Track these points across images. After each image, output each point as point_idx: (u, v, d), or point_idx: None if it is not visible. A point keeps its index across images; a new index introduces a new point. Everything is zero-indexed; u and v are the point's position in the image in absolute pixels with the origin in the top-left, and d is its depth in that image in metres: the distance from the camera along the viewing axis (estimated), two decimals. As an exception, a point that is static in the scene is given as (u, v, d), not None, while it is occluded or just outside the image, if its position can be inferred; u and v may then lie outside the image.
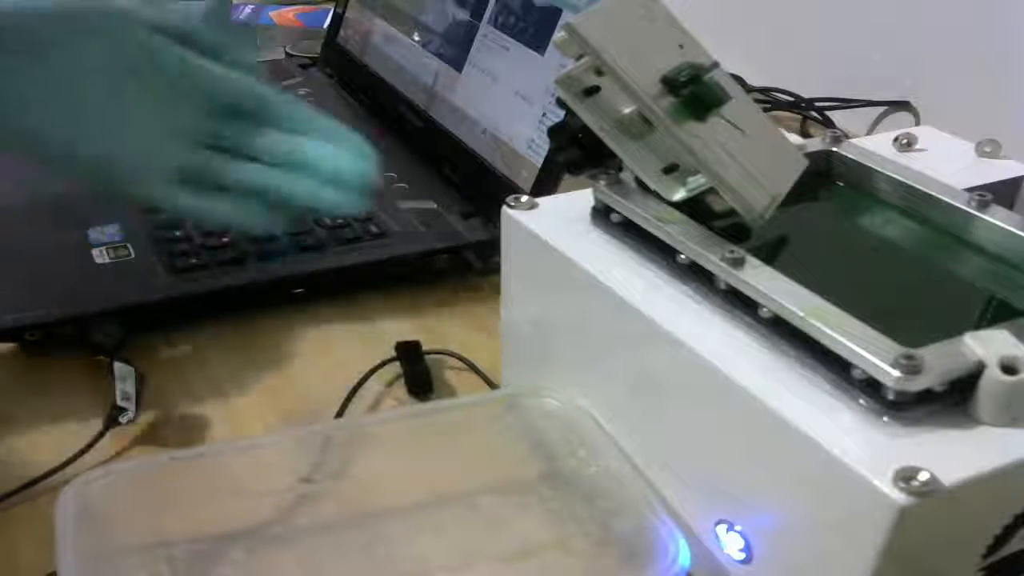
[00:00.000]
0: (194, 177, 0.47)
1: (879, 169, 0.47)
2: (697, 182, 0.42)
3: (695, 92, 0.40)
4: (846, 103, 0.90)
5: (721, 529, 0.38)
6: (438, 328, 0.61)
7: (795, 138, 0.51)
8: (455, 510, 0.43)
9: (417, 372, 0.56)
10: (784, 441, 0.34)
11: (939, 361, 0.33)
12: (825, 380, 0.35)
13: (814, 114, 0.90)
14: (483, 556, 0.40)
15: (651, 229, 0.41)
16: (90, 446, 0.49)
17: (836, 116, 0.89)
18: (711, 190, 0.41)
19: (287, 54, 1.05)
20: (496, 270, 0.50)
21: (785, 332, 0.36)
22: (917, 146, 0.53)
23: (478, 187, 0.71)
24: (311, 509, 0.42)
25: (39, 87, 0.44)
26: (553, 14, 0.66)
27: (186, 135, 0.47)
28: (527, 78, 0.67)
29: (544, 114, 0.65)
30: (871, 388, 0.33)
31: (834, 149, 0.49)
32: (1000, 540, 0.34)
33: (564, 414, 0.45)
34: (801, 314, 0.35)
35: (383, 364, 0.56)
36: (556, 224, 0.45)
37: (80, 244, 0.64)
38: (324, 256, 0.64)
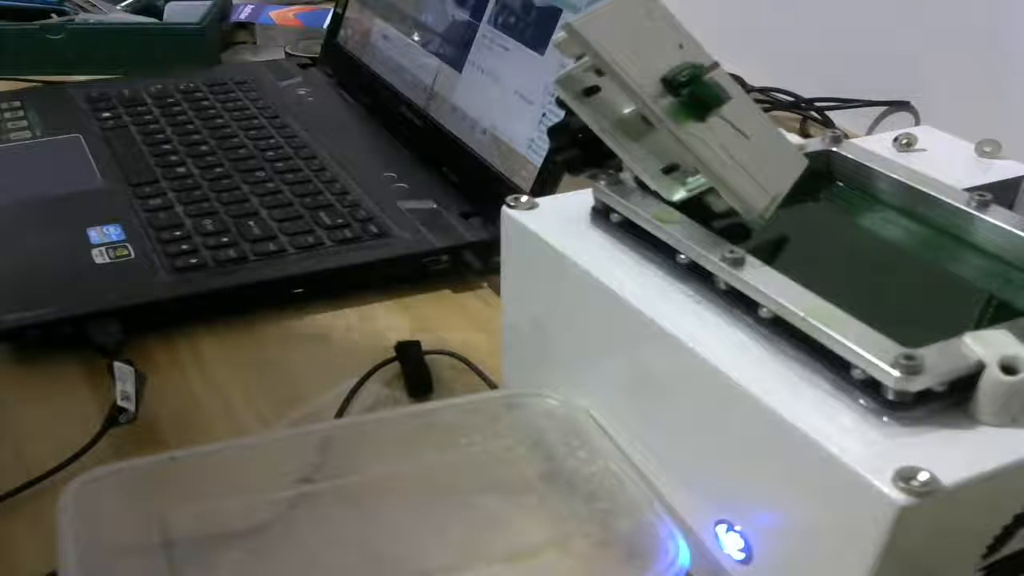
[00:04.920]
0: None
1: (879, 169, 0.47)
2: (697, 182, 0.42)
3: (695, 92, 0.40)
4: (846, 103, 0.90)
5: (721, 529, 0.38)
6: (438, 328, 0.61)
7: (795, 138, 0.51)
8: (455, 510, 0.43)
9: (417, 372, 0.56)
10: (784, 441, 0.34)
11: (939, 361, 0.33)
12: (825, 380, 0.35)
13: (814, 114, 0.91)
14: (483, 556, 0.40)
15: (651, 229, 0.41)
16: (90, 446, 0.49)
17: (836, 116, 0.90)
18: (711, 190, 0.41)
19: (287, 54, 1.05)
20: (496, 270, 0.50)
21: (785, 332, 0.36)
22: (917, 146, 0.53)
23: (478, 187, 0.71)
24: (311, 509, 0.42)
25: None
26: (553, 14, 0.66)
27: None
28: (527, 78, 0.67)
29: (544, 114, 0.65)
30: (871, 388, 0.33)
31: (834, 149, 0.49)
32: (1000, 540, 0.34)
33: (564, 414, 0.45)
34: (801, 314, 0.35)
35: (383, 364, 0.56)
36: (556, 224, 0.45)
37: (80, 244, 0.64)
38: (324, 256, 0.64)
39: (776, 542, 0.36)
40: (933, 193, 0.45)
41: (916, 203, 0.46)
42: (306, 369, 0.57)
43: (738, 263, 0.38)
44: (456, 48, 0.76)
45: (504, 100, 0.69)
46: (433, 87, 0.78)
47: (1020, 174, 0.51)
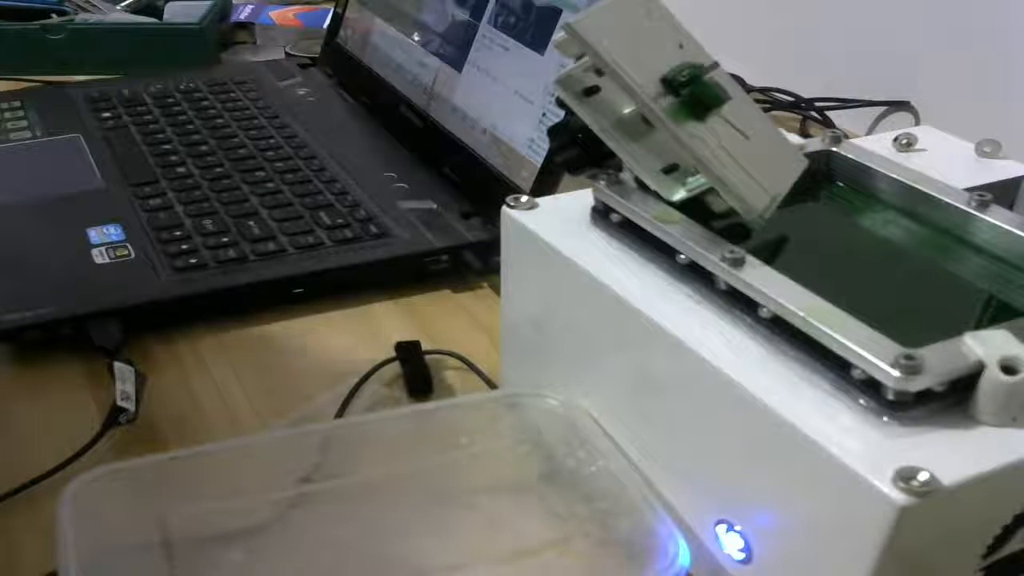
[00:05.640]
0: None
1: (879, 169, 0.47)
2: (697, 182, 0.42)
3: (695, 92, 0.40)
4: (846, 103, 0.90)
5: (721, 529, 0.38)
6: (438, 328, 0.61)
7: (795, 138, 0.51)
8: (455, 510, 0.43)
9: (417, 372, 0.56)
10: (784, 441, 0.34)
11: (939, 361, 0.33)
12: (825, 380, 0.35)
13: (814, 114, 0.91)
14: (483, 556, 0.40)
15: (651, 229, 0.41)
16: (90, 446, 0.49)
17: (836, 116, 0.90)
18: (711, 190, 0.41)
19: (287, 54, 1.05)
20: (496, 270, 0.50)
21: (785, 332, 0.36)
22: (917, 146, 0.53)
23: (478, 187, 0.71)
24: (311, 509, 0.42)
25: None
26: (553, 14, 0.66)
27: None
28: (527, 78, 0.67)
29: (544, 114, 0.65)
30: (871, 388, 0.33)
31: (834, 149, 0.49)
32: (1000, 540, 0.34)
33: (564, 414, 0.45)
34: (801, 314, 0.35)
35: (383, 364, 0.56)
36: (556, 224, 0.45)
37: (80, 244, 0.64)
38: (324, 256, 0.64)
39: (776, 542, 0.36)
40: (933, 193, 0.45)
41: (916, 203, 0.46)
42: (306, 369, 0.57)
43: (738, 263, 0.38)
44: (456, 48, 0.75)
45: (504, 100, 0.69)
46: (433, 87, 0.78)
47: (1020, 174, 0.51)
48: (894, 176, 0.47)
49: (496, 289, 0.50)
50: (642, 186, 0.43)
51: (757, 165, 0.41)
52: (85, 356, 0.56)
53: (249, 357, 0.58)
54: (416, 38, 0.81)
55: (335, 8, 0.97)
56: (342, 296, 0.63)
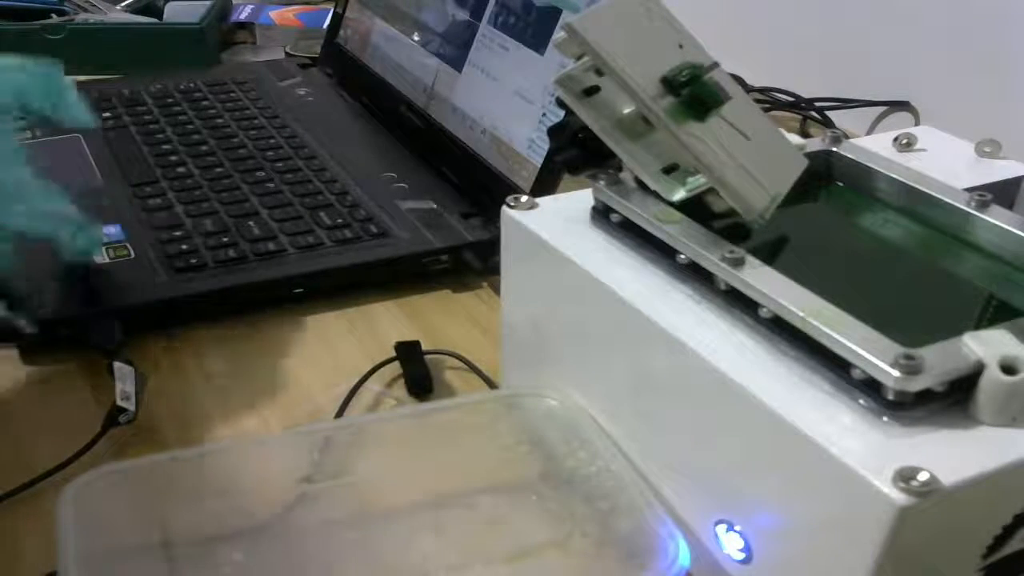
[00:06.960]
0: None
1: (879, 169, 0.47)
2: (697, 182, 0.42)
3: (695, 92, 0.40)
4: (846, 103, 0.90)
5: (721, 529, 0.38)
6: (438, 328, 0.61)
7: (795, 138, 0.51)
8: (455, 510, 0.43)
9: (417, 372, 0.56)
10: (784, 441, 0.34)
11: (939, 361, 0.33)
12: (825, 380, 0.35)
13: (814, 114, 0.91)
14: (483, 556, 0.40)
15: (651, 229, 0.41)
16: (90, 446, 0.49)
17: (836, 116, 0.90)
18: (711, 190, 0.41)
19: (287, 54, 1.05)
20: (496, 270, 0.50)
21: (785, 332, 0.36)
22: (917, 146, 0.53)
23: (478, 187, 0.71)
24: (311, 509, 0.42)
25: None
26: (553, 14, 0.66)
27: None
28: (527, 78, 0.67)
29: (544, 114, 0.65)
30: (871, 388, 0.33)
31: (834, 149, 0.49)
32: (1000, 540, 0.34)
33: (564, 414, 0.45)
34: (801, 314, 0.35)
35: (383, 364, 0.56)
36: (556, 224, 0.45)
37: (80, 244, 0.64)
38: (324, 256, 0.64)
39: (776, 542, 0.36)
40: (933, 193, 0.45)
41: (916, 203, 0.46)
42: (306, 369, 0.57)
43: (738, 263, 0.38)
44: (456, 48, 0.75)
45: (504, 100, 0.69)
46: (433, 87, 0.78)
47: (1020, 174, 0.51)
48: (894, 176, 0.47)
49: (496, 289, 0.50)
50: (642, 186, 0.43)
51: (757, 165, 0.41)
52: (85, 356, 0.56)
53: (249, 357, 0.58)
54: (416, 38, 0.82)
55: (335, 8, 0.97)
56: (342, 296, 0.63)
